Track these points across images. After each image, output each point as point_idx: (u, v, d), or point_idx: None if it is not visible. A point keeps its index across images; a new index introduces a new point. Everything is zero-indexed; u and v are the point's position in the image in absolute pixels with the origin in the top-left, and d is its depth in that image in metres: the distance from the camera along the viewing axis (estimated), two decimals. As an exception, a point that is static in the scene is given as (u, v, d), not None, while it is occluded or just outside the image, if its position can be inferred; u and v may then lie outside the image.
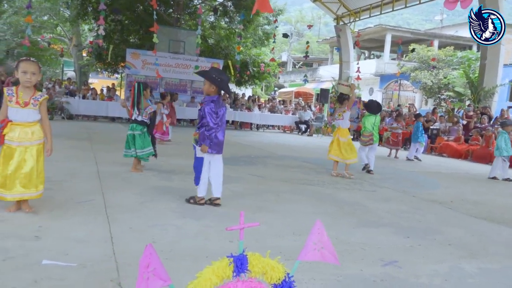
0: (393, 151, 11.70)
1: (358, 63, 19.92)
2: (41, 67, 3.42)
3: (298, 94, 34.15)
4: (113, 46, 17.93)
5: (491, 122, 14.01)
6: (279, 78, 30.35)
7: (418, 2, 18.64)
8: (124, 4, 18.74)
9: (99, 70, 24.52)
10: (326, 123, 19.68)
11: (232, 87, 25.10)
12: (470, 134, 13.48)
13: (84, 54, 24.96)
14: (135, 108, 5.72)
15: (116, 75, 25.62)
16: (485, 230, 4.28)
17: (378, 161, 8.53)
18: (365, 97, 24.66)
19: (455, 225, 4.37)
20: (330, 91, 22.55)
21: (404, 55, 26.36)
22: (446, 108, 18.31)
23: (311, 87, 33.08)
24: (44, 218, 3.35)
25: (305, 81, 22.39)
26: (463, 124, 14.34)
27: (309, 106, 21.78)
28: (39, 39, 24.52)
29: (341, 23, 22.61)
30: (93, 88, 18.57)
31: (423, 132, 11.52)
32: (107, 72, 24.19)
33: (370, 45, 32.97)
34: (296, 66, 44.62)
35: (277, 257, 1.44)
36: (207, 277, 1.31)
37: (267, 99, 24.62)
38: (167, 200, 4.36)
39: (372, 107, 8.02)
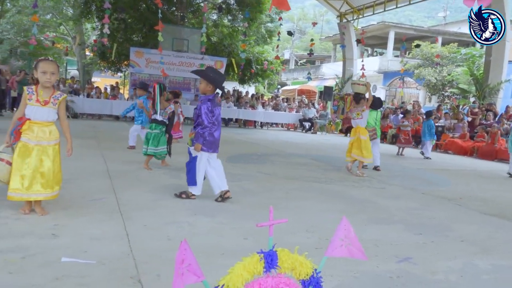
0: (400, 149, 11.69)
1: (362, 61, 19.84)
2: (59, 66, 3.43)
3: (301, 92, 34.06)
4: (117, 44, 17.95)
5: (497, 118, 13.98)
6: (281, 75, 30.31)
7: (422, -2, 18.60)
8: (127, 2, 18.76)
9: (102, 68, 24.56)
10: (330, 121, 19.67)
11: (236, 85, 25.10)
12: (476, 131, 13.46)
13: (88, 53, 25.00)
14: (157, 108, 5.88)
15: (119, 73, 25.66)
16: (496, 226, 4.28)
17: (385, 159, 8.52)
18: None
19: (466, 221, 4.38)
20: (334, 89, 22.55)
21: (408, 52, 26.29)
22: (451, 105, 18.26)
23: (314, 85, 33.06)
24: (59, 217, 3.37)
25: (309, 78, 22.36)
26: (468, 121, 14.31)
27: (313, 104, 21.75)
28: (42, 38, 24.58)
29: (344, 20, 22.56)
30: (97, 87, 18.61)
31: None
32: (110, 71, 24.24)
33: (373, 42, 32.86)
34: (298, 64, 44.57)
35: (304, 253, 1.45)
36: (238, 273, 1.32)
37: (270, 97, 24.59)
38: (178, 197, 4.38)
39: (374, 102, 8.08)
